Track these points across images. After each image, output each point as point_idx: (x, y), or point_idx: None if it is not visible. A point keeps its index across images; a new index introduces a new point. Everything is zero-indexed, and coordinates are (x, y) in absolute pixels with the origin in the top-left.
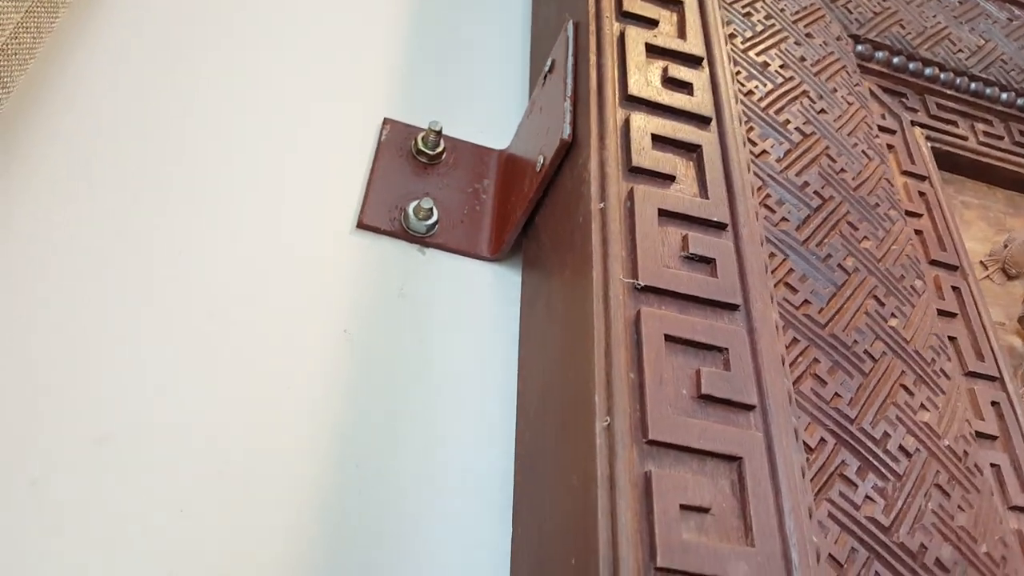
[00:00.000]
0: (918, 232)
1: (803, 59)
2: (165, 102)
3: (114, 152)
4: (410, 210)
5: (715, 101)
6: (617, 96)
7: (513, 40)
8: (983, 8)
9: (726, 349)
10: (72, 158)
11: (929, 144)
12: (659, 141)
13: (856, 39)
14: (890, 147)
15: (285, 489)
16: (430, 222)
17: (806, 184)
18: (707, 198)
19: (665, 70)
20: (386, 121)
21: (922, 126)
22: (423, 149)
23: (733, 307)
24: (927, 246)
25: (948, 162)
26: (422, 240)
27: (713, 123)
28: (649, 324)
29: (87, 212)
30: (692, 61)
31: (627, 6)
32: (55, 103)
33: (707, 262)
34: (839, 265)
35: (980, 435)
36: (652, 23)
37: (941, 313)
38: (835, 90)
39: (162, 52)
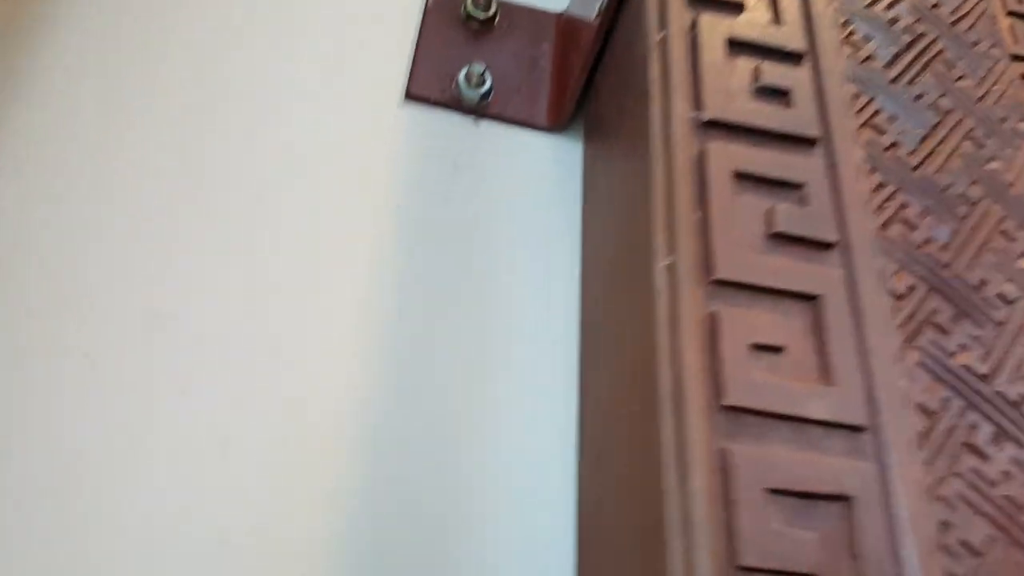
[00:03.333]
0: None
1: None
2: None
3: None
4: (461, 77)
5: None
6: None
7: None
8: None
9: (803, 185)
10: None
11: None
12: None
13: None
14: None
15: (334, 367)
16: (483, 89)
17: (896, 19)
18: (781, 25)
19: None
20: None
21: None
22: (473, 13)
23: (811, 141)
24: None
25: None
26: (475, 110)
27: None
28: (716, 160)
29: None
30: None
31: None
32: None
33: (782, 94)
34: (932, 105)
35: None
36: None
37: None
38: None
39: None
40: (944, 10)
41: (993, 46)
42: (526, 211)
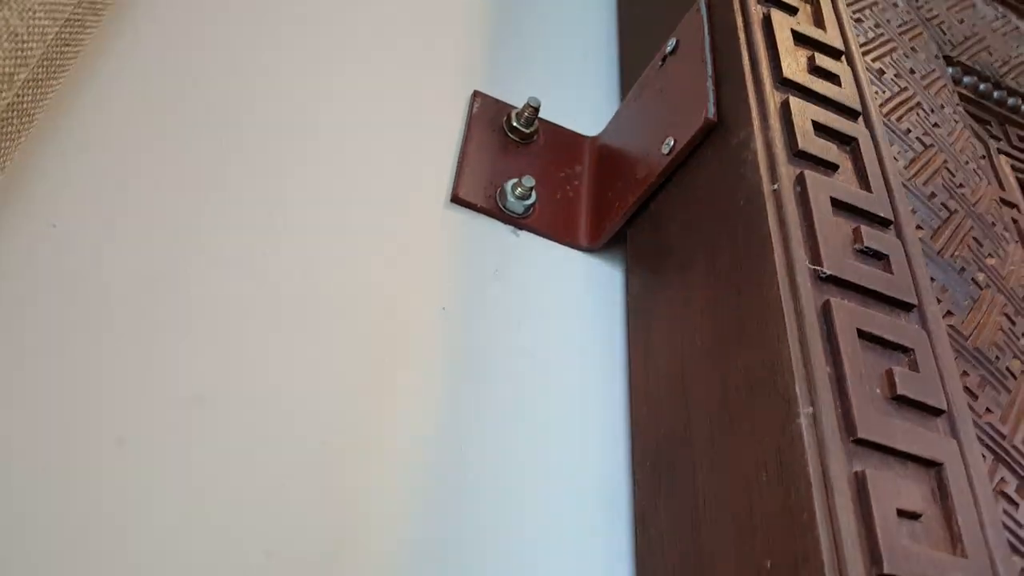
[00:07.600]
0: None
1: (912, 71)
2: (250, 78)
3: (200, 133)
4: (508, 187)
5: (860, 96)
6: (771, 78)
7: (596, 26)
8: None
9: (912, 350)
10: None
11: (1014, 175)
12: (819, 129)
13: (949, 60)
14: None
15: (388, 469)
16: (528, 202)
17: (933, 195)
18: (871, 192)
19: (811, 59)
20: (476, 94)
21: (1006, 155)
22: (517, 126)
23: (909, 307)
24: None
25: None
26: (517, 221)
27: (861, 119)
28: (841, 315)
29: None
30: (834, 53)
31: None
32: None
33: (880, 258)
34: (973, 279)
35: None
36: (792, 10)
37: None
38: (943, 106)
39: (245, 27)
40: (966, 191)
41: (1004, 229)
42: (564, 326)
